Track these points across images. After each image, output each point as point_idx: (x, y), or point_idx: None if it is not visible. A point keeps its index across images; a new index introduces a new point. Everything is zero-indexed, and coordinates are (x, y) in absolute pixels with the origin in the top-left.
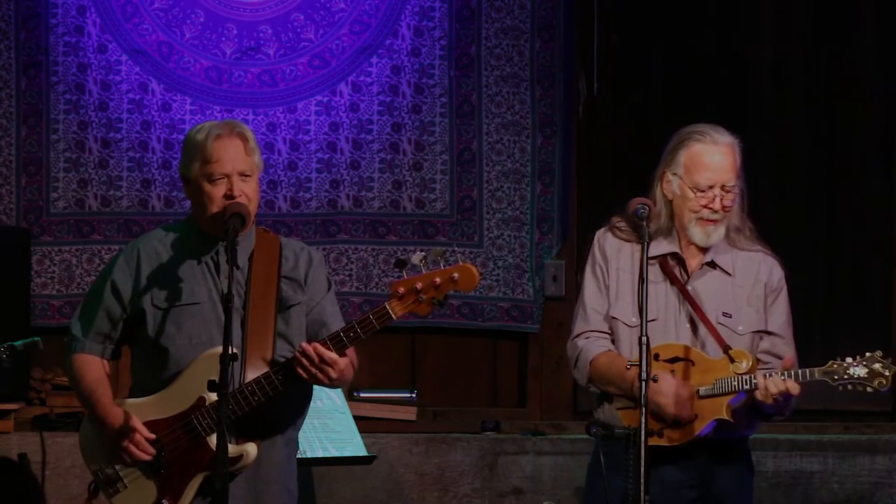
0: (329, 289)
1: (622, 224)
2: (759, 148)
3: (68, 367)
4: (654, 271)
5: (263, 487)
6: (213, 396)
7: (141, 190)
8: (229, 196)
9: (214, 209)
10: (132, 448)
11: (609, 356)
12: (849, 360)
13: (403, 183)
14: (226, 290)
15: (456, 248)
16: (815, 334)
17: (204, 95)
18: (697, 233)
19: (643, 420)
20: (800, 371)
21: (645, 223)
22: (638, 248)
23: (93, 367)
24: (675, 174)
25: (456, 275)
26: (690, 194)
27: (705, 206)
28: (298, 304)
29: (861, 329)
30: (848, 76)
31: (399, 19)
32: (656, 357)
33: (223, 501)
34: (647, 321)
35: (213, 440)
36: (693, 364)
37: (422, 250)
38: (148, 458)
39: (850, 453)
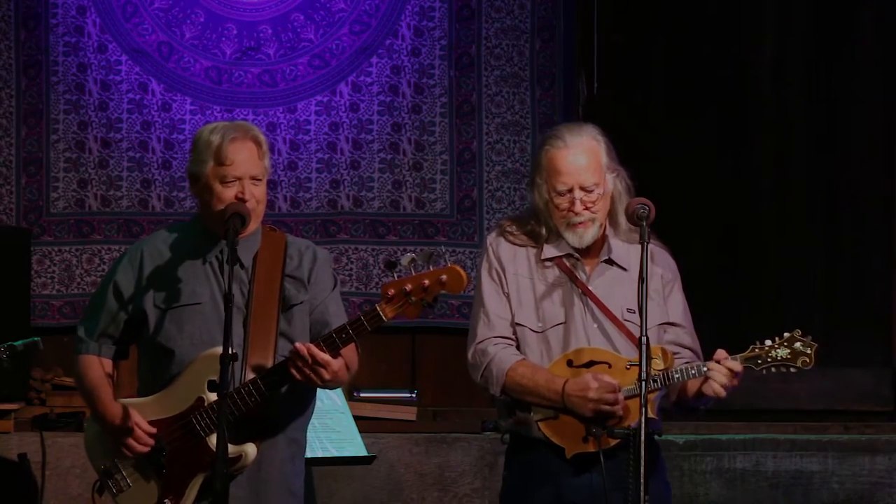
0: (334, 288)
1: (513, 228)
2: (759, 148)
3: (74, 368)
4: (554, 274)
5: (264, 488)
6: (212, 397)
7: (141, 190)
8: (240, 199)
9: (222, 209)
10: (132, 442)
11: (528, 365)
12: (769, 342)
13: (403, 183)
14: (227, 290)
15: (444, 250)
16: (816, 334)
17: (204, 95)
18: (569, 236)
19: (643, 420)
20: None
21: (645, 223)
22: (533, 251)
23: (95, 367)
24: (541, 180)
25: (444, 277)
26: (555, 199)
27: (569, 210)
28: (301, 303)
29: (861, 329)
30: (848, 75)
31: (399, 19)
32: (570, 363)
33: (223, 502)
34: (645, 323)
35: (212, 440)
36: (610, 366)
37: (412, 251)
38: (147, 449)
39: (850, 453)
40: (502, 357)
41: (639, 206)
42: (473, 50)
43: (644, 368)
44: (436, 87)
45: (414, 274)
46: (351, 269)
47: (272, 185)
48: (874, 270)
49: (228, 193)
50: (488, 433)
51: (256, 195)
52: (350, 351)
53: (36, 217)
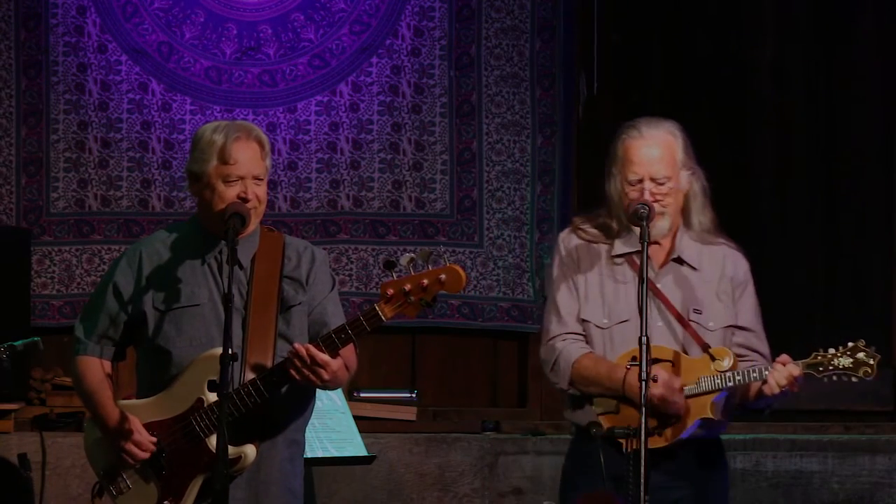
0: (332, 288)
1: (586, 225)
2: (759, 148)
3: (72, 369)
4: (622, 270)
5: (264, 489)
6: (212, 397)
7: (141, 190)
8: (243, 198)
9: (224, 208)
10: (131, 447)
11: (592, 358)
12: (832, 350)
13: (403, 183)
14: (227, 291)
15: (443, 249)
16: (815, 334)
17: (204, 95)
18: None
19: (643, 420)
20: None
21: (645, 223)
22: (604, 247)
23: (94, 369)
24: (616, 170)
25: (443, 276)
26: (626, 188)
27: (638, 201)
28: (300, 304)
29: (861, 329)
30: (848, 76)
31: (399, 19)
32: (634, 360)
33: (223, 502)
34: (646, 322)
35: (211, 441)
36: (673, 364)
37: (412, 251)
38: (146, 456)
39: (850, 453)
40: (570, 350)
41: (639, 206)
42: (473, 50)
43: (644, 368)
44: (436, 87)
45: (413, 273)
46: (351, 269)
47: (272, 185)
48: (874, 270)
49: (231, 192)
50: (488, 433)
51: (258, 194)
52: (349, 351)
53: (36, 217)
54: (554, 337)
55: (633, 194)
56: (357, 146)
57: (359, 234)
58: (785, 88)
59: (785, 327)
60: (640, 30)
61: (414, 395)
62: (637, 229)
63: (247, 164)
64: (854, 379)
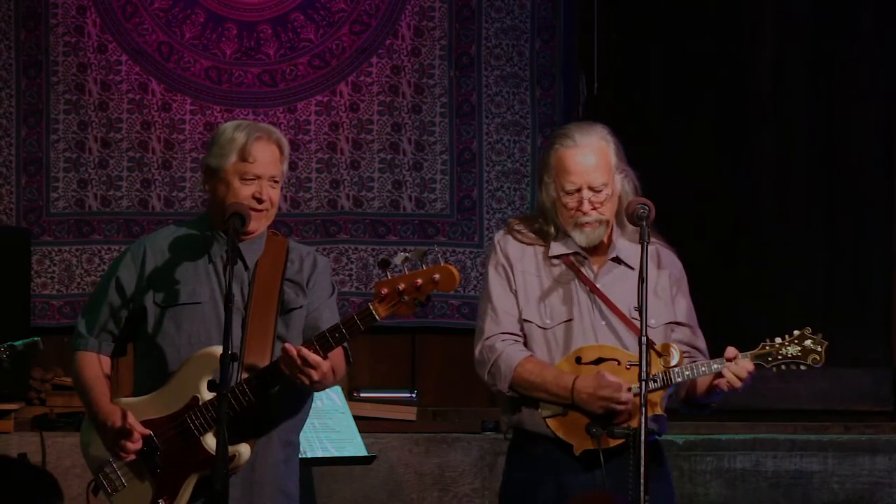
0: (331, 295)
1: (521, 227)
2: (759, 148)
3: (71, 363)
4: (562, 271)
5: (258, 489)
6: (206, 396)
7: (141, 190)
8: (257, 198)
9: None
10: (126, 443)
11: (536, 362)
12: (778, 339)
13: (403, 183)
14: (227, 291)
15: (438, 249)
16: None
17: (204, 95)
18: (577, 236)
19: (643, 420)
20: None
21: (645, 223)
22: (540, 249)
23: (92, 365)
24: (549, 178)
25: (437, 276)
26: (563, 198)
27: (576, 210)
28: (300, 307)
29: (861, 329)
30: (848, 75)
31: (399, 19)
32: (578, 360)
33: (223, 502)
34: (645, 322)
35: (206, 440)
36: (619, 363)
37: (404, 250)
38: (138, 447)
39: (850, 453)
40: (510, 353)
41: (639, 206)
42: (473, 50)
43: (644, 368)
44: (436, 87)
45: (407, 273)
46: (351, 270)
47: None
48: (874, 270)
49: (246, 191)
50: (488, 433)
51: (272, 197)
52: (337, 356)
53: (36, 217)
54: (490, 337)
55: (572, 203)
56: (357, 146)
57: (359, 234)
58: (785, 88)
59: (785, 327)
60: (640, 30)
61: (414, 395)
62: (575, 234)
63: (265, 165)
64: (803, 367)
